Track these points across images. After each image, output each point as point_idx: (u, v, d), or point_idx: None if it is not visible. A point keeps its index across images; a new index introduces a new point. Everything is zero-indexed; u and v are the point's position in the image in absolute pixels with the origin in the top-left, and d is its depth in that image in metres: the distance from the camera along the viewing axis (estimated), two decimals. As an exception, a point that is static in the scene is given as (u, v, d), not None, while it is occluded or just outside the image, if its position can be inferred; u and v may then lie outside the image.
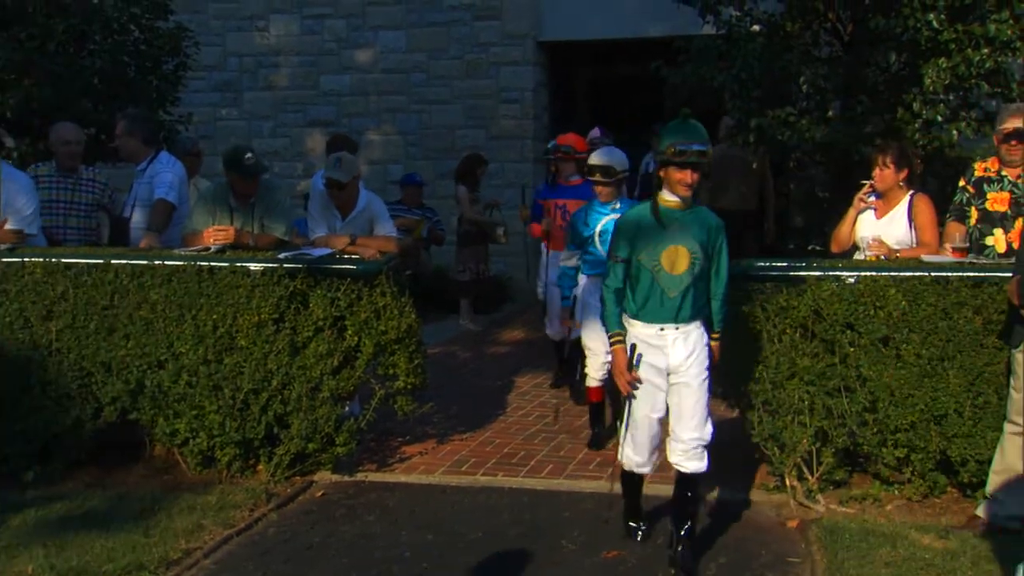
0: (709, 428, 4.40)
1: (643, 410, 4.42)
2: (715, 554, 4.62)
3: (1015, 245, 5.28)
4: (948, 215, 5.77)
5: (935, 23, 7.60)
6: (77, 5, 8.86)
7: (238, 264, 5.60)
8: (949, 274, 5.05)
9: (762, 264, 5.52)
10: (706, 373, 4.39)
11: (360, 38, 13.04)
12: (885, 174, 5.69)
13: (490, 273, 10.63)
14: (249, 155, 6.05)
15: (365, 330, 5.55)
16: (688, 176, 4.22)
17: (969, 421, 4.92)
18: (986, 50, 7.64)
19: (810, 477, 5.15)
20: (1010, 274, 4.63)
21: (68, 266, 5.73)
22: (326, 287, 5.57)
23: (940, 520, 4.93)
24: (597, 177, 6.04)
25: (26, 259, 5.78)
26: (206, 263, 5.61)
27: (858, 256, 5.82)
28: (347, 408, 5.78)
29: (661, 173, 4.30)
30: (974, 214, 5.60)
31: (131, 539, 4.71)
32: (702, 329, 4.42)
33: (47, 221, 6.67)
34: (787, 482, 5.20)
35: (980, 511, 4.79)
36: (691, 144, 4.20)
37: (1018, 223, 5.43)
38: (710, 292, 4.44)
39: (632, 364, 4.32)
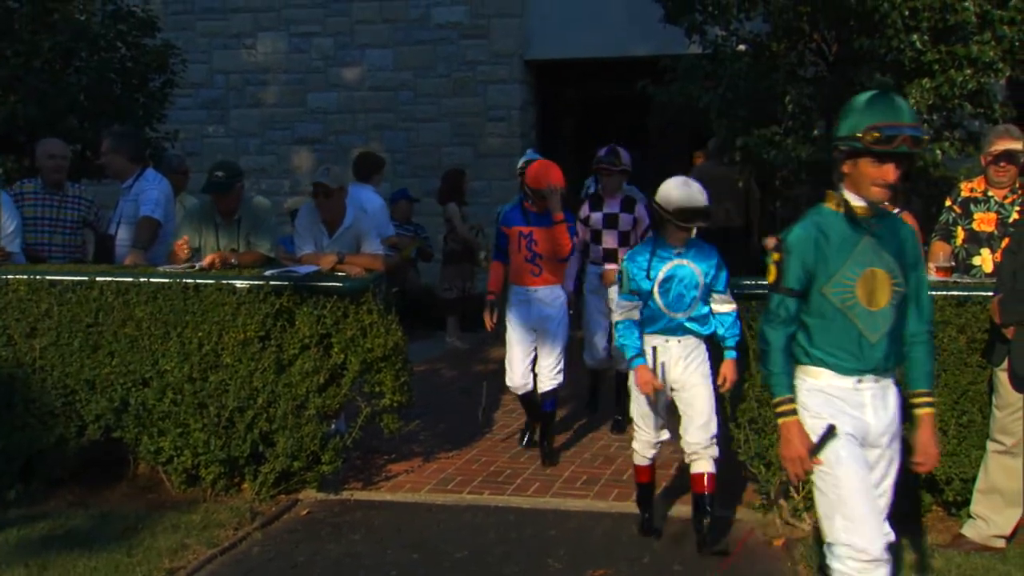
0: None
1: (851, 483, 3.25)
2: (700, 573, 4.61)
3: None
4: (933, 234, 5.81)
5: (918, 44, 7.67)
6: (64, 22, 8.86)
7: (224, 281, 5.58)
8: (933, 293, 5.06)
9: (747, 282, 5.53)
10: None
11: (347, 56, 13.07)
12: None
13: (476, 291, 10.62)
14: (219, 172, 6.07)
15: (351, 348, 5.54)
16: (891, 172, 3.22)
17: (953, 440, 4.93)
18: (969, 71, 7.72)
19: (796, 496, 5.15)
20: (992, 293, 4.66)
21: (52, 283, 5.71)
22: (312, 304, 5.56)
23: (926, 539, 4.93)
24: (679, 221, 4.73)
25: (10, 276, 5.76)
26: (191, 280, 5.59)
27: None
28: (333, 426, 5.75)
29: (845, 168, 3.32)
30: (961, 234, 5.64)
31: (114, 558, 4.68)
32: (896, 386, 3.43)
33: (32, 238, 6.64)
34: (773, 501, 5.20)
35: (965, 530, 4.80)
36: (900, 127, 3.18)
37: (1004, 243, 5.46)
38: (908, 331, 3.41)
39: (819, 447, 3.26)
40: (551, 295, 6.28)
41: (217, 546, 4.89)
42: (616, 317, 4.95)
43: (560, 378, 6.29)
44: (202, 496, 5.54)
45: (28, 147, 8.03)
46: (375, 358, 5.56)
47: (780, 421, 3.34)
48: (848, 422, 3.28)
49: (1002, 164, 5.44)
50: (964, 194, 5.69)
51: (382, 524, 5.29)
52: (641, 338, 4.83)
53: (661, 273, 4.81)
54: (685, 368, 4.84)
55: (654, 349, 4.71)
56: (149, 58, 9.33)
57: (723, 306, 4.90)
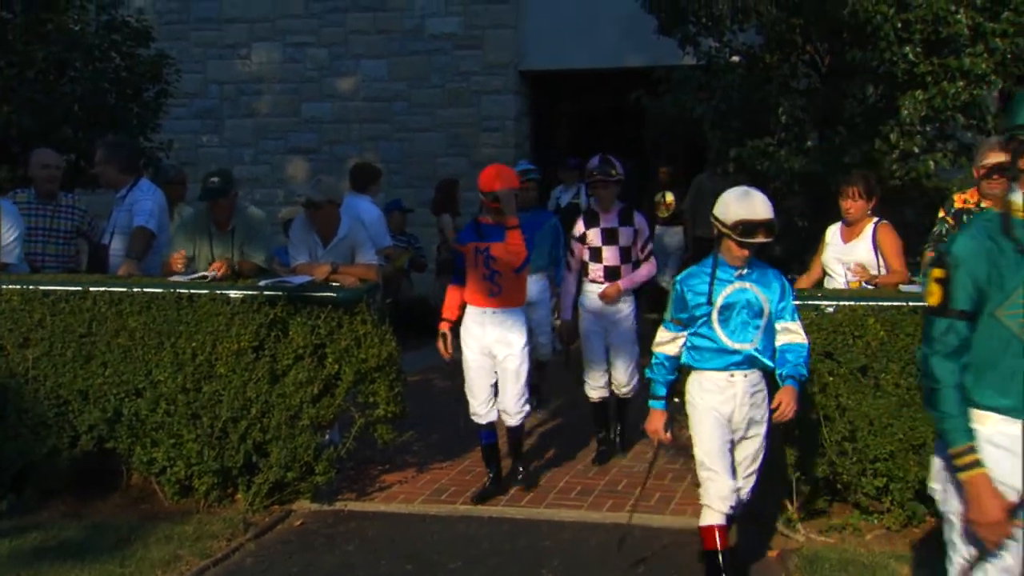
0: None
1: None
2: (695, 584, 4.61)
3: None
4: (926, 245, 5.84)
5: (911, 56, 7.71)
6: (58, 32, 8.86)
7: (218, 292, 5.58)
8: (925, 304, 5.07)
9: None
10: None
11: (342, 66, 13.08)
12: (857, 205, 5.79)
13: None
14: (214, 179, 6.09)
15: (345, 358, 5.53)
16: None
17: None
18: (961, 83, 7.76)
19: (790, 507, 5.15)
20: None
21: (46, 293, 5.69)
22: (306, 315, 5.55)
23: (919, 550, 4.94)
24: (738, 236, 4.18)
25: (3, 286, 5.74)
26: (185, 291, 5.59)
27: (827, 282, 5.91)
28: (327, 436, 5.75)
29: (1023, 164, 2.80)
30: (954, 245, 5.66)
31: (107, 569, 4.66)
32: None
33: (25, 248, 6.62)
34: (768, 512, 5.20)
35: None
36: None
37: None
38: None
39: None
40: (511, 318, 5.75)
41: (210, 557, 4.87)
42: (653, 345, 4.42)
43: (526, 409, 5.84)
44: (195, 507, 5.52)
45: (22, 157, 8.02)
46: (369, 368, 5.55)
47: (963, 477, 2.73)
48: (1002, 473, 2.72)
49: (995, 177, 5.46)
50: (957, 205, 5.72)
51: (376, 535, 5.27)
52: (672, 374, 4.36)
53: (720, 298, 4.24)
54: (751, 408, 4.34)
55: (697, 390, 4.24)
56: (143, 68, 9.33)
57: (792, 336, 4.36)
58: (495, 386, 5.81)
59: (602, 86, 12.54)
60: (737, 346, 4.27)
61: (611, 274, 6.33)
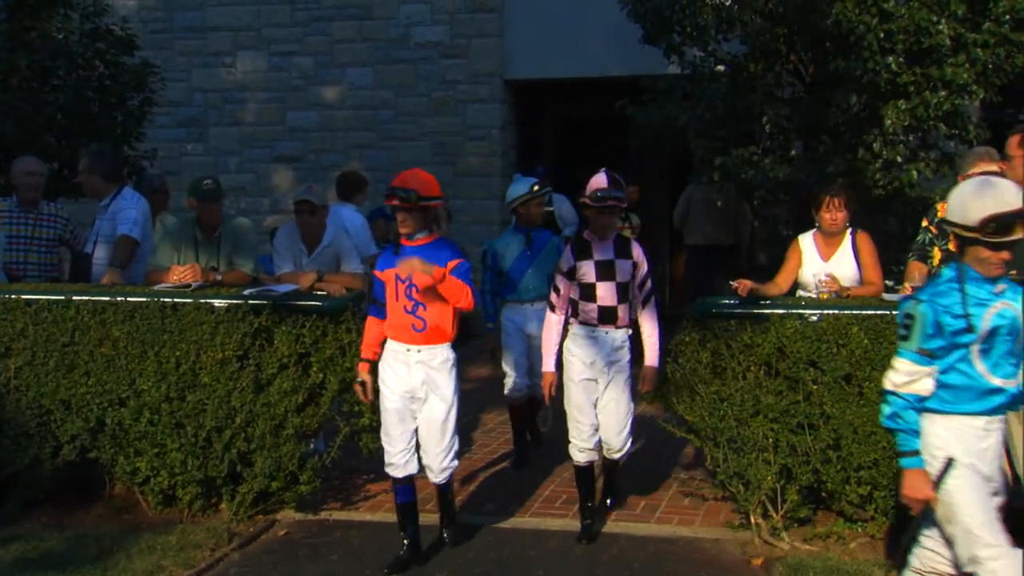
0: None
1: None
2: (681, 593, 4.61)
3: None
4: (910, 254, 5.86)
5: (894, 66, 7.76)
6: (42, 40, 8.82)
7: (202, 300, 5.56)
8: (910, 312, 5.10)
9: (726, 301, 5.56)
10: None
11: (327, 75, 13.07)
12: (841, 216, 5.78)
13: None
14: (208, 181, 6.10)
15: (330, 367, 5.52)
16: None
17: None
18: (944, 93, 7.80)
19: (775, 515, 5.16)
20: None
21: (28, 302, 5.66)
22: (291, 324, 5.54)
23: (903, 558, 4.94)
24: (991, 236, 3.45)
25: (-15, 295, 5.71)
26: (169, 299, 5.56)
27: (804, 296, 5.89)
28: (311, 446, 5.73)
29: None
30: (937, 254, 5.69)
31: (89, 580, 4.63)
32: None
33: (7, 257, 6.59)
34: (752, 520, 5.21)
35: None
36: None
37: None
38: None
39: None
40: (440, 355, 4.90)
41: (194, 567, 4.85)
42: (892, 385, 3.60)
43: (454, 463, 4.98)
44: (179, 517, 5.50)
45: (4, 166, 7.98)
46: (354, 377, 5.54)
47: None
48: None
49: None
50: (941, 215, 5.72)
51: (361, 544, 5.25)
52: (916, 421, 3.54)
53: (986, 321, 3.45)
54: (996, 459, 3.62)
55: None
56: (127, 76, 9.30)
57: None
58: (417, 432, 4.95)
59: (587, 95, 12.56)
60: (1000, 383, 3.49)
61: (606, 316, 5.30)
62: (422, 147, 12.86)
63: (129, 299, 5.60)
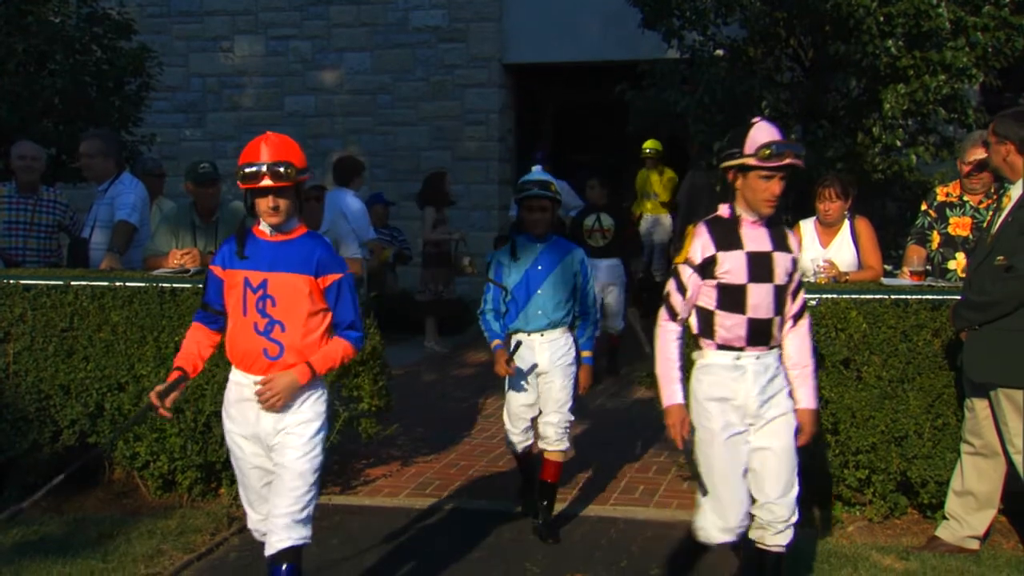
0: None
1: None
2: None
3: None
4: (909, 238, 5.87)
5: (893, 50, 7.74)
6: (38, 25, 8.79)
7: (201, 285, 5.54)
8: (909, 297, 5.12)
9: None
10: None
11: (325, 59, 13.04)
12: (835, 206, 5.80)
13: (454, 296, 10.60)
14: (204, 164, 6.09)
15: (329, 352, 5.52)
16: None
17: (929, 442, 4.97)
18: (943, 77, 7.79)
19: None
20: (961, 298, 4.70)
21: (27, 287, 5.66)
22: (290, 309, 5.53)
23: (901, 541, 4.97)
24: None
25: (-16, 280, 5.71)
26: (168, 284, 5.56)
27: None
28: (310, 431, 5.72)
29: None
30: (936, 238, 5.70)
31: (89, 565, 4.64)
32: None
33: (6, 242, 6.59)
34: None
35: (940, 532, 4.83)
36: None
37: (979, 248, 5.52)
38: None
39: None
40: (299, 393, 3.70)
41: (194, 552, 4.86)
42: None
43: (304, 532, 3.77)
44: (178, 502, 5.51)
45: (2, 151, 7.96)
46: (353, 362, 5.54)
47: None
48: None
49: (984, 172, 5.49)
50: (940, 199, 5.75)
51: (360, 529, 5.27)
52: None
53: None
54: None
55: None
56: (125, 61, 9.27)
57: None
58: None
59: (586, 80, 12.55)
60: None
61: (759, 334, 3.71)
62: (420, 132, 12.85)
63: (128, 284, 5.59)
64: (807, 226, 5.92)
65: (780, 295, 3.73)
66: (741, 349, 3.71)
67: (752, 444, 3.73)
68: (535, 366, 5.01)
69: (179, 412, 5.41)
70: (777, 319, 3.73)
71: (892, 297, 5.12)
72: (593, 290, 5.17)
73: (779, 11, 8.46)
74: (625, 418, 7.48)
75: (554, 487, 5.19)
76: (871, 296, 5.17)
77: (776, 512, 3.73)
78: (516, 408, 5.10)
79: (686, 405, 3.75)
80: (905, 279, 5.49)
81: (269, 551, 3.74)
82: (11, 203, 6.71)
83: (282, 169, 3.58)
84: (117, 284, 5.60)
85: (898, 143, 8.13)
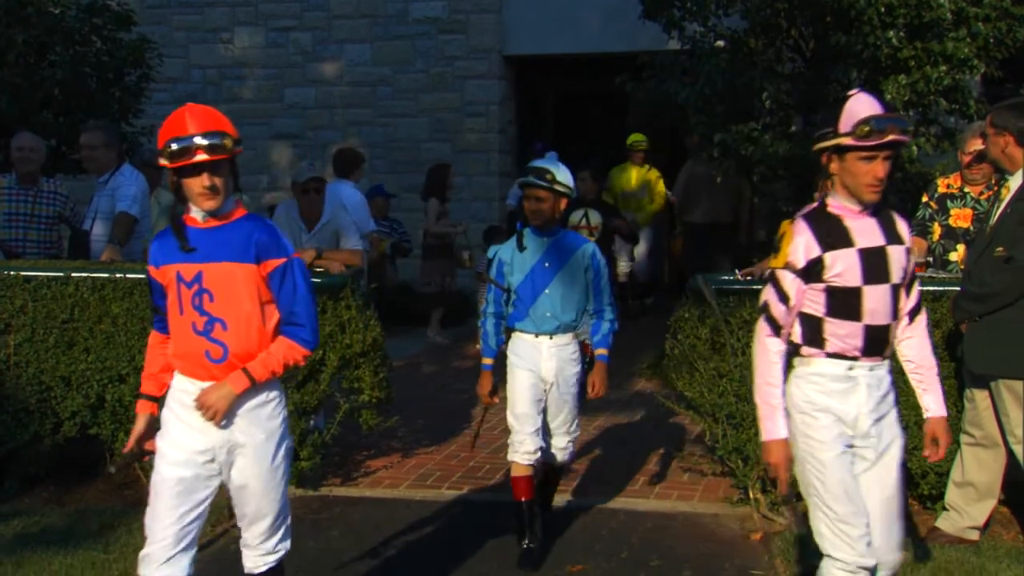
0: None
1: None
2: (679, 567, 4.63)
3: None
4: (911, 230, 5.85)
5: (894, 40, 7.72)
6: (38, 16, 8.77)
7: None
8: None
9: (725, 277, 5.56)
10: None
11: (325, 51, 13.02)
12: None
13: (455, 288, 10.60)
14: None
15: (330, 343, 5.52)
16: None
17: (929, 433, 4.96)
18: (944, 67, 7.78)
19: (774, 490, 5.17)
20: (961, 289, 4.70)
21: (27, 279, 5.65)
22: (290, 300, 5.52)
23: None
24: None
25: (-16, 272, 5.71)
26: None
27: None
28: (311, 422, 5.74)
29: None
30: (937, 230, 5.70)
31: (91, 556, 4.65)
32: None
33: (6, 234, 6.58)
34: (751, 495, 5.22)
35: (940, 522, 4.84)
36: None
37: (980, 240, 5.51)
38: None
39: None
40: (252, 399, 3.30)
41: (195, 543, 4.86)
42: None
43: (282, 545, 3.57)
44: (179, 493, 5.50)
45: (2, 142, 7.95)
46: (354, 354, 5.54)
47: None
48: None
49: (984, 163, 5.49)
50: (941, 190, 5.74)
51: (361, 520, 5.27)
52: None
53: None
54: None
55: None
56: (125, 52, 9.25)
57: None
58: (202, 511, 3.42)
59: (586, 71, 12.53)
60: None
61: (875, 342, 3.26)
62: (420, 123, 12.84)
63: (128, 276, 5.59)
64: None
65: (897, 295, 3.27)
66: (855, 359, 3.23)
67: (858, 473, 3.26)
68: (539, 368, 4.66)
69: (180, 404, 5.41)
70: (894, 324, 3.29)
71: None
72: (609, 286, 4.76)
73: (780, 2, 8.44)
74: (625, 410, 7.49)
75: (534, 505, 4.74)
76: (872, 287, 5.15)
77: (886, 559, 3.30)
78: (524, 408, 4.66)
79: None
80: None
81: (249, 570, 3.53)
82: (11, 194, 6.71)
83: (219, 140, 3.12)
84: (118, 276, 5.59)
85: (899, 134, 8.11)
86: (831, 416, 3.23)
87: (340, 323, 5.55)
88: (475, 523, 5.22)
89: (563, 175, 4.59)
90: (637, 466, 6.08)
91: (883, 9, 7.70)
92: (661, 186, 10.91)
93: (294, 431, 5.40)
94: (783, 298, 3.24)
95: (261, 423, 3.32)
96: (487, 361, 4.76)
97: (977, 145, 5.43)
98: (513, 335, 4.74)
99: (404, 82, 12.85)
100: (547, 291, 4.62)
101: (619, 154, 11.75)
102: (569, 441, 4.86)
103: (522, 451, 4.66)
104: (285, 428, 3.41)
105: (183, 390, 3.32)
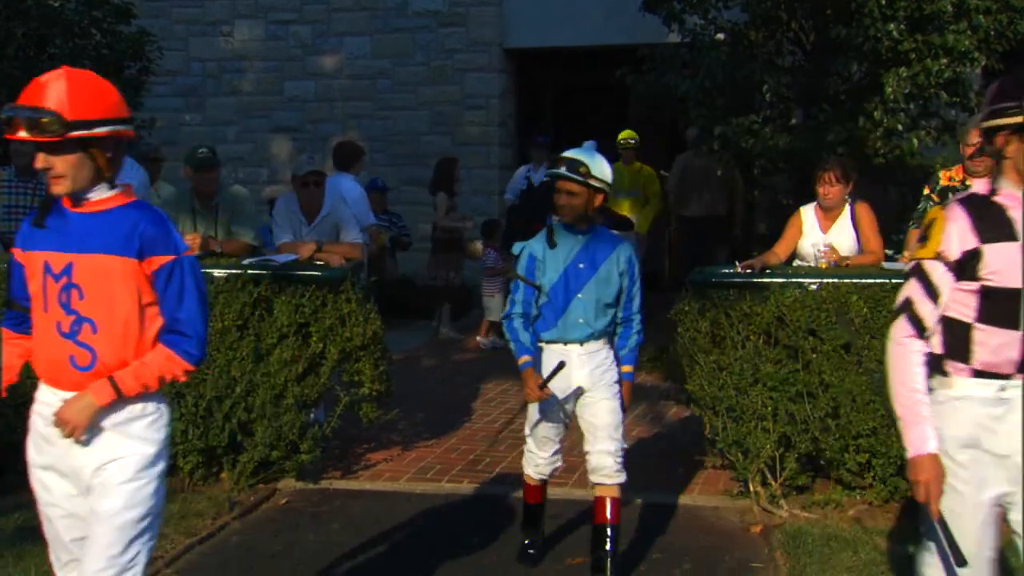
0: None
1: None
2: (679, 560, 4.64)
3: None
4: (911, 223, 5.87)
5: (895, 33, 7.71)
6: (37, 8, 8.76)
7: (201, 270, 5.53)
8: (909, 281, 5.11)
9: (726, 271, 5.56)
10: None
11: (325, 44, 13.00)
12: (835, 190, 5.77)
13: (459, 283, 10.56)
14: (203, 149, 6.09)
15: (330, 337, 5.53)
16: None
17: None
18: (945, 60, 7.76)
19: (773, 483, 5.18)
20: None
21: (27, 272, 5.64)
22: (291, 293, 5.54)
23: (901, 524, 4.98)
24: None
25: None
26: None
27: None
28: (312, 415, 5.75)
29: None
30: (939, 222, 5.68)
31: (91, 549, 4.65)
32: None
33: (6, 226, 6.58)
34: (751, 488, 5.23)
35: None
36: None
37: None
38: None
39: None
40: (122, 413, 2.85)
41: (195, 536, 4.87)
42: None
43: None
44: (180, 486, 5.51)
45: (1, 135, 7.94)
46: (354, 347, 5.55)
47: None
48: None
49: (979, 156, 5.48)
50: (943, 183, 5.74)
51: (361, 513, 5.28)
52: None
53: None
54: None
55: None
56: (124, 45, 9.24)
57: None
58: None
59: (587, 63, 12.50)
60: None
61: None
62: (420, 117, 12.82)
63: (128, 269, 5.58)
64: (808, 211, 5.91)
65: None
66: (1007, 377, 2.73)
67: (1014, 523, 2.73)
68: (570, 383, 4.24)
69: (180, 397, 5.42)
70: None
71: (893, 281, 5.11)
72: (640, 292, 4.41)
73: (781, -6, 8.44)
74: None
75: (619, 529, 4.34)
76: (872, 280, 5.17)
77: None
78: (546, 431, 4.33)
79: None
80: (906, 263, 5.48)
81: None
82: (10, 187, 6.71)
83: (42, 119, 2.63)
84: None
85: (900, 127, 8.11)
86: (976, 454, 2.74)
87: (340, 316, 5.55)
88: (475, 516, 5.23)
89: (599, 167, 4.17)
90: (637, 459, 6.07)
91: (884, 2, 7.69)
92: (656, 186, 10.52)
93: (294, 424, 5.41)
94: (932, 294, 2.77)
95: (131, 445, 2.83)
96: (525, 359, 4.20)
97: (977, 138, 5.43)
98: (540, 347, 4.31)
99: (404, 75, 12.83)
100: (580, 295, 4.22)
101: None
102: (619, 448, 4.30)
103: (536, 471, 4.48)
104: (161, 450, 2.89)
105: (44, 402, 2.91)
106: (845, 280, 5.20)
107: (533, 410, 4.33)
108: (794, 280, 5.31)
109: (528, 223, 7.12)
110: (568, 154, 4.21)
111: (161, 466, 2.89)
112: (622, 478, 4.32)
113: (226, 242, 6.04)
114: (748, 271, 5.37)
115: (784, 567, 4.49)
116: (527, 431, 4.43)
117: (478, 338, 9.87)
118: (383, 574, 4.55)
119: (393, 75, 12.86)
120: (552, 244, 4.24)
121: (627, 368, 4.41)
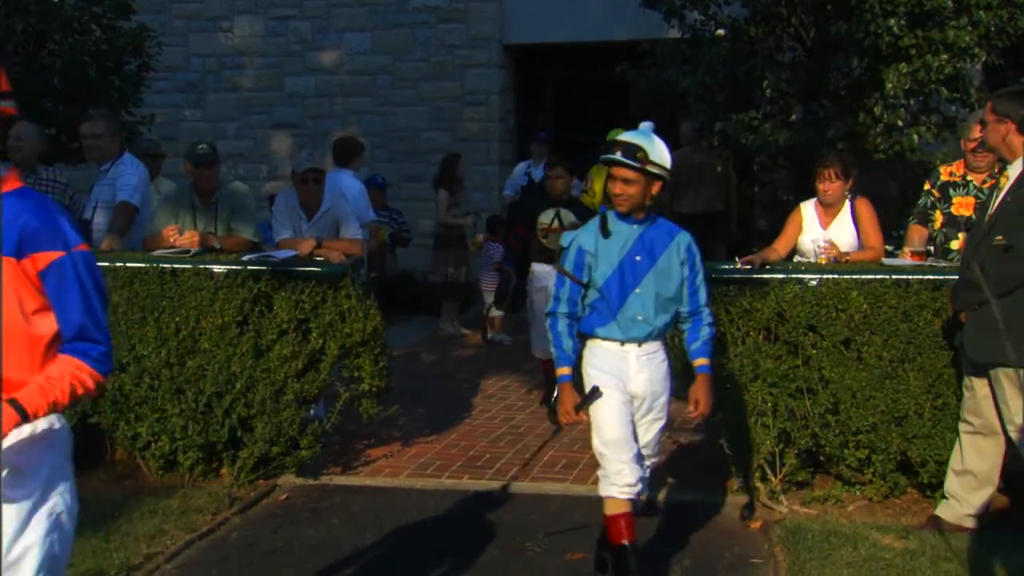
0: None
1: None
2: (679, 556, 4.64)
3: None
4: (911, 218, 5.86)
5: (895, 29, 7.70)
6: (37, 4, 8.76)
7: (201, 266, 5.55)
8: (910, 277, 5.12)
9: (726, 266, 5.56)
10: None
11: (325, 40, 12.99)
12: (835, 186, 5.76)
13: (462, 279, 10.54)
14: (203, 145, 6.10)
15: (330, 332, 5.53)
16: None
17: (929, 422, 4.98)
18: (945, 56, 7.76)
19: (773, 478, 5.18)
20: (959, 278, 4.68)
21: (27, 268, 5.64)
22: (290, 289, 5.54)
23: (900, 520, 4.98)
24: None
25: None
26: (168, 265, 5.56)
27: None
28: (312, 411, 5.75)
29: None
30: (939, 218, 5.69)
31: (91, 545, 4.65)
32: None
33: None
34: (751, 483, 5.23)
35: (940, 511, 4.84)
36: None
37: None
38: None
39: None
40: (12, 436, 2.46)
41: (195, 531, 4.87)
42: None
43: None
44: (180, 482, 5.52)
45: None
46: (354, 343, 5.55)
47: None
48: None
49: (981, 150, 5.48)
50: (943, 178, 5.73)
51: (361, 509, 5.28)
52: None
53: None
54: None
55: None
56: (124, 41, 9.24)
57: None
58: None
59: (587, 59, 12.49)
60: None
61: None
62: (420, 112, 12.81)
63: (128, 265, 5.59)
64: (808, 208, 5.90)
65: None
66: None
67: None
68: (627, 382, 3.95)
69: (180, 393, 5.42)
70: None
71: (893, 277, 5.12)
72: (705, 284, 4.10)
73: (781, -10, 8.43)
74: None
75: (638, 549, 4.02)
76: (872, 276, 5.16)
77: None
78: (617, 432, 3.90)
79: None
80: (906, 259, 5.48)
81: None
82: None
83: None
84: (118, 265, 5.59)
85: (900, 123, 8.11)
86: None
87: (340, 312, 5.55)
88: (475, 512, 5.23)
89: (658, 153, 3.82)
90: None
91: (884, -3, 7.69)
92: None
93: (294, 420, 5.41)
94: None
95: (26, 485, 2.61)
96: (565, 371, 3.92)
97: (977, 133, 5.42)
98: (591, 343, 3.97)
99: (404, 71, 12.83)
100: (638, 290, 3.89)
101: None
102: (648, 467, 4.14)
103: (621, 483, 3.90)
104: (71, 490, 2.68)
105: None
106: (845, 276, 5.20)
107: (600, 411, 3.94)
108: (794, 276, 5.31)
109: (530, 217, 7.04)
110: (624, 137, 3.86)
111: (64, 492, 2.68)
112: (645, 492, 4.14)
113: (226, 238, 6.03)
114: (748, 267, 5.36)
115: (784, 563, 4.49)
116: (596, 442, 3.98)
117: (490, 334, 9.84)
118: (383, 570, 4.55)
119: (393, 71, 12.86)
120: (606, 234, 3.89)
121: (702, 361, 4.01)
